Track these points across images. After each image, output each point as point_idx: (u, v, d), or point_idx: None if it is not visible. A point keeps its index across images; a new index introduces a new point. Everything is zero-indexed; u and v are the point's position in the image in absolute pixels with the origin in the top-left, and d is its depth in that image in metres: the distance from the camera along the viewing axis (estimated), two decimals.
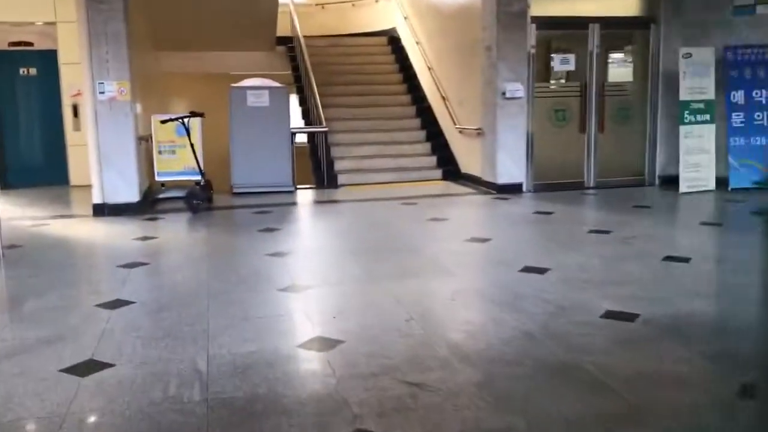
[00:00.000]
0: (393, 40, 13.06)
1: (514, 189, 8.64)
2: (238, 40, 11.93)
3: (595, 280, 4.76)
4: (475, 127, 9.11)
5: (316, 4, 14.44)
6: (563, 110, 8.79)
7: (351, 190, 9.39)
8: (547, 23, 8.59)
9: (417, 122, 11.11)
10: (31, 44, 9.94)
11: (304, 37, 11.82)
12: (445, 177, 10.01)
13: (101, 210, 7.64)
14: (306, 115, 10.96)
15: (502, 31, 8.37)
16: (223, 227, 7.27)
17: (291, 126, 9.24)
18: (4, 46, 9.86)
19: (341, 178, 9.81)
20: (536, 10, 8.47)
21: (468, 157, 9.70)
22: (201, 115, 8.30)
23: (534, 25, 8.49)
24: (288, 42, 12.76)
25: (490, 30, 8.50)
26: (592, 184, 8.96)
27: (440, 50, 10.74)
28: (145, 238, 6.43)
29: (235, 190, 8.98)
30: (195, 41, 11.75)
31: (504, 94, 8.44)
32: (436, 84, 10.70)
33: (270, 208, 7.95)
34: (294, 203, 8.51)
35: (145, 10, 9.77)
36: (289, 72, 12.22)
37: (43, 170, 10.19)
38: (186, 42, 11.70)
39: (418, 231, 6.65)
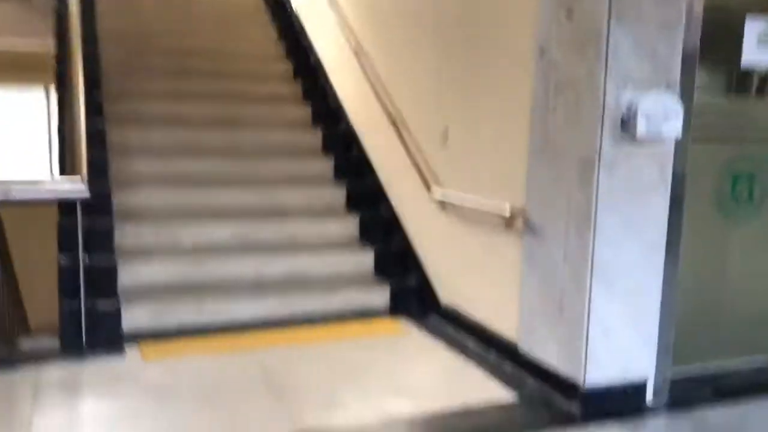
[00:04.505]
0: None
1: (621, 400, 2.94)
2: None
3: None
4: (499, 210, 3.32)
5: None
6: (750, 176, 3.20)
7: (156, 362, 3.37)
8: None
9: (326, 167, 5.18)
10: None
11: None
12: (398, 308, 4.19)
13: None
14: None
15: None
16: None
17: None
18: None
19: (136, 315, 3.76)
20: None
21: (467, 273, 3.87)
22: None
23: None
24: None
25: None
26: None
27: (390, 11, 4.89)
28: None
29: None
30: None
31: (626, 123, 2.74)
32: (372, 87, 4.81)
33: None
34: None
35: None
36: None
37: None
38: None
39: None
